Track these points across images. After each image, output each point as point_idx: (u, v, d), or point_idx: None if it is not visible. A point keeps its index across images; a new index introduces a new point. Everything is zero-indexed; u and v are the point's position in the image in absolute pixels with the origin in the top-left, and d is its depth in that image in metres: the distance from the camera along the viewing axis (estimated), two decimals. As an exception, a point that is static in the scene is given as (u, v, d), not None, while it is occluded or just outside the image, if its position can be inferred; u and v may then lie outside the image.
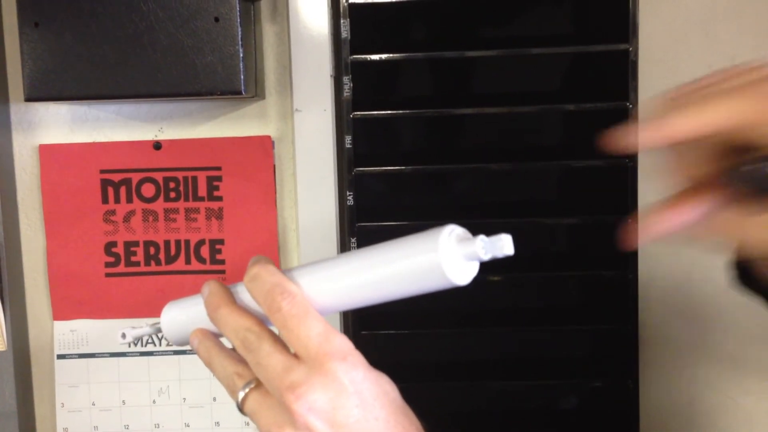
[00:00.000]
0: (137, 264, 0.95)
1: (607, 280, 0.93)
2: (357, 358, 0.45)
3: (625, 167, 0.87)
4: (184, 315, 0.54)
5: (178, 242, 0.95)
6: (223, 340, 0.52)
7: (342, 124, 0.90)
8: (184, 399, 0.96)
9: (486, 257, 0.42)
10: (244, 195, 0.94)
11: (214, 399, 0.96)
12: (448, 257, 0.42)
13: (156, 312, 0.62)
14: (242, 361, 0.48)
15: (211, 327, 0.51)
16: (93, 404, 0.97)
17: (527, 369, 0.95)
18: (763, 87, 0.40)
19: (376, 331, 0.92)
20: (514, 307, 0.95)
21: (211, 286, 0.50)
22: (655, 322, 0.93)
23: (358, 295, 0.46)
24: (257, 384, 0.47)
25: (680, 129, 0.39)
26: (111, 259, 0.95)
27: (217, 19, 0.82)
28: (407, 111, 0.90)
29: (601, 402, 0.95)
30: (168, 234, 0.95)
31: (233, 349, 0.49)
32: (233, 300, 0.49)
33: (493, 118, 0.93)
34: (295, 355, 0.45)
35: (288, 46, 0.90)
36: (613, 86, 0.89)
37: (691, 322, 0.95)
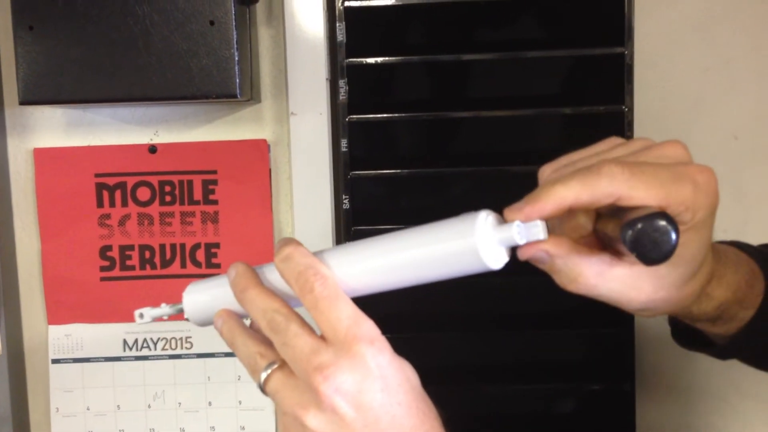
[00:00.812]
0: (132, 268, 0.95)
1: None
2: (383, 344, 0.45)
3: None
4: (207, 296, 0.54)
5: (173, 246, 0.95)
6: (246, 322, 0.52)
7: (338, 128, 0.90)
8: (180, 403, 0.96)
9: (521, 242, 0.44)
10: (240, 199, 0.93)
11: (210, 403, 0.96)
12: (484, 241, 0.43)
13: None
14: (265, 342, 0.49)
15: (234, 308, 0.52)
16: (88, 409, 0.96)
17: (525, 372, 0.95)
18: (628, 158, 0.44)
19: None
20: (511, 310, 0.95)
21: (238, 268, 0.51)
22: (653, 326, 0.93)
23: (390, 277, 0.47)
24: (281, 364, 0.47)
25: (547, 204, 0.42)
26: (106, 263, 0.95)
27: (212, 23, 0.81)
28: (403, 114, 0.90)
29: (599, 405, 0.95)
30: (163, 238, 0.94)
31: (257, 331, 0.50)
32: (260, 281, 0.50)
33: (489, 121, 0.92)
34: (322, 338, 0.46)
35: (284, 50, 0.90)
36: (609, 89, 0.89)
37: (688, 325, 0.95)
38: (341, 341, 0.44)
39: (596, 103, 0.88)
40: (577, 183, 0.42)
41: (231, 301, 0.51)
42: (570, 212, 0.44)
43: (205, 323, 0.55)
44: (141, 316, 0.56)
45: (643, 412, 0.94)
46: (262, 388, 0.48)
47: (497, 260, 0.44)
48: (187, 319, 0.55)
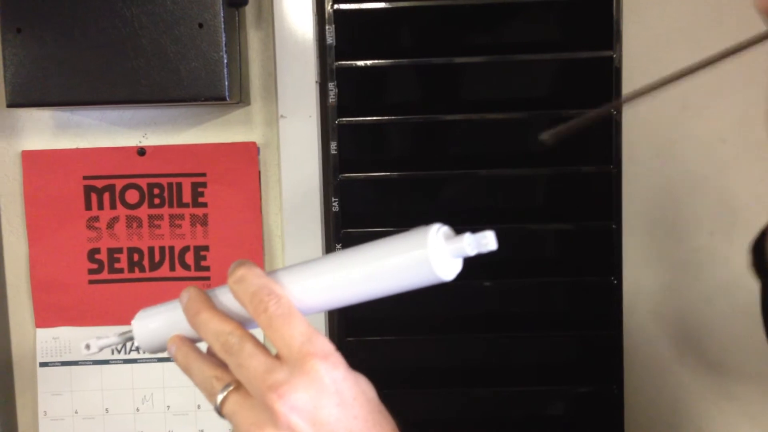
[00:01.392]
0: (121, 271, 0.94)
1: (592, 286, 0.93)
2: (338, 359, 0.46)
3: (610, 173, 0.88)
4: (159, 322, 0.54)
5: (162, 249, 0.94)
6: (200, 346, 0.52)
7: (327, 130, 0.90)
8: (168, 407, 0.96)
9: (472, 253, 0.44)
10: (229, 201, 0.93)
11: (199, 407, 0.95)
12: (436, 253, 0.44)
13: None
14: (220, 365, 0.49)
15: (186, 333, 0.52)
16: (76, 412, 0.96)
17: (513, 375, 0.95)
18: None
19: (361, 337, 0.92)
20: (500, 313, 0.95)
21: (190, 292, 0.51)
22: (640, 328, 0.93)
23: (344, 292, 0.47)
24: (236, 386, 0.47)
25: None
26: (94, 266, 0.95)
27: (201, 25, 0.81)
28: (393, 117, 0.90)
29: (587, 408, 0.95)
30: (152, 240, 0.94)
31: (211, 355, 0.50)
32: (213, 305, 0.50)
33: (479, 124, 0.93)
34: (277, 357, 0.46)
35: (273, 52, 0.90)
36: (597, 92, 0.89)
37: (676, 328, 0.95)
38: (295, 358, 0.45)
39: (585, 106, 0.88)
40: None
41: (183, 326, 0.51)
42: None
43: (156, 350, 0.54)
44: (87, 347, 0.55)
45: (631, 415, 0.94)
46: (219, 411, 0.48)
47: (450, 272, 0.45)
48: (137, 348, 0.54)
